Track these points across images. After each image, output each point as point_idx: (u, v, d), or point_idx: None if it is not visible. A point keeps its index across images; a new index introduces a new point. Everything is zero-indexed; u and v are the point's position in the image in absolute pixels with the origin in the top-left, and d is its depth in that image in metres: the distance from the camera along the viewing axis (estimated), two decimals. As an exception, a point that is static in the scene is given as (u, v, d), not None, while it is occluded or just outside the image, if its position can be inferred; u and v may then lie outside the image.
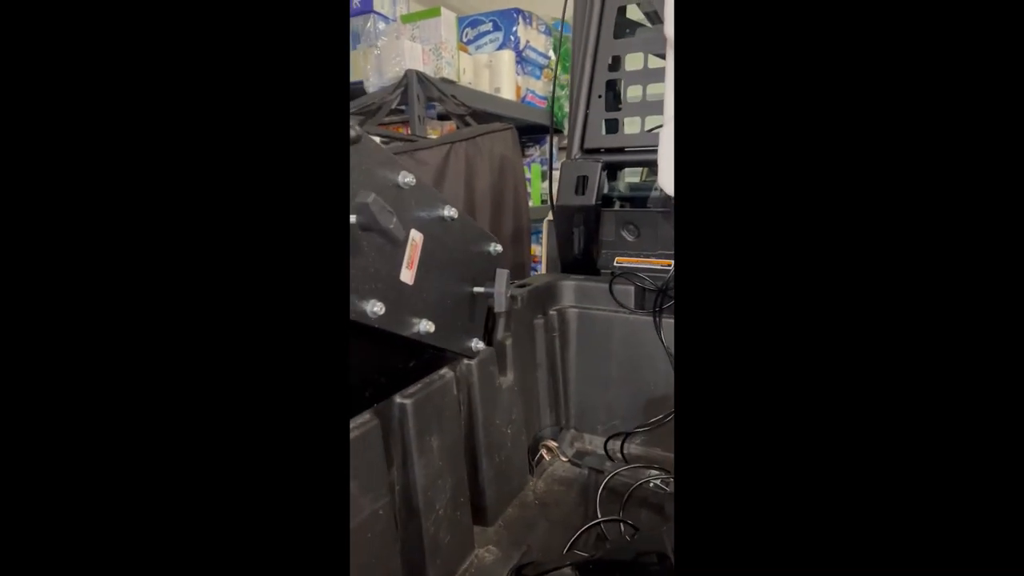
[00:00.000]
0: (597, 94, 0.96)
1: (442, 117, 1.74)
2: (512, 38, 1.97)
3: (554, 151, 2.29)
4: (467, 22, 2.02)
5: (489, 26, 2.00)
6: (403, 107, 1.57)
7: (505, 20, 1.97)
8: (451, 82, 1.71)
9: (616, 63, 0.99)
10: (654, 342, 0.90)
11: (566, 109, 2.14)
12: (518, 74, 1.99)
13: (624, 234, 1.01)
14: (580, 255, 1.03)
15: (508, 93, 1.94)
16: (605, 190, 1.01)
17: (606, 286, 0.94)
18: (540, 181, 2.20)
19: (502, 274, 0.66)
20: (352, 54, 1.71)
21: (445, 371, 0.69)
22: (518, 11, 1.97)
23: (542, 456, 0.88)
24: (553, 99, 1.90)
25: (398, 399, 0.61)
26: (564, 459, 0.88)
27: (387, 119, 1.59)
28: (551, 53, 2.13)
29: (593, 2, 0.94)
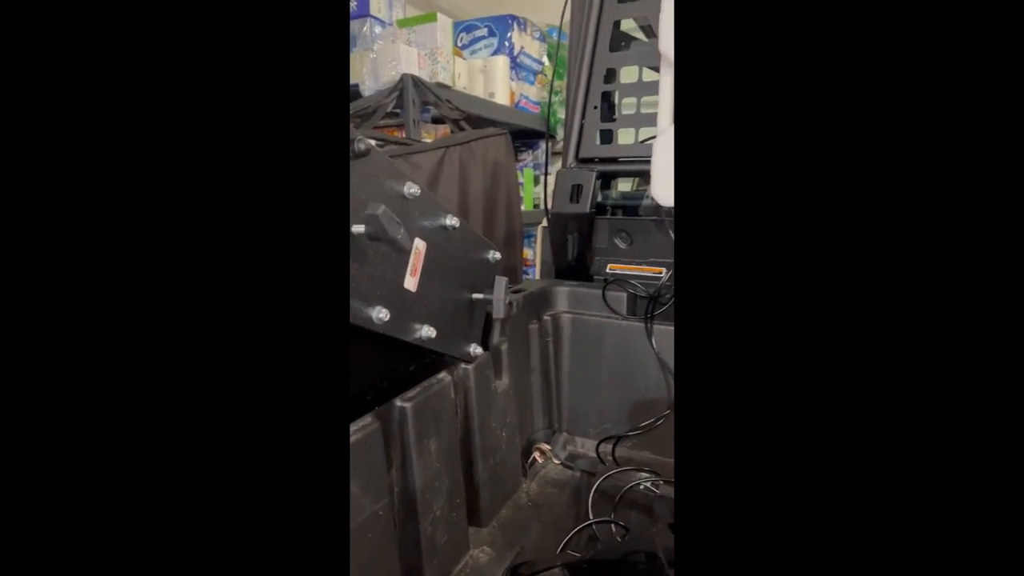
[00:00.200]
0: (593, 105, 0.99)
1: (436, 120, 1.75)
2: (507, 44, 1.99)
3: (547, 156, 2.31)
4: (462, 27, 2.03)
5: (484, 31, 2.02)
6: (398, 110, 1.58)
7: (500, 26, 1.99)
8: (446, 87, 1.72)
9: (611, 75, 1.01)
10: (645, 348, 0.92)
11: (559, 115, 2.17)
12: (512, 79, 2.01)
13: (617, 241, 1.04)
14: (574, 261, 1.05)
15: (502, 98, 1.96)
16: (599, 199, 1.04)
17: (599, 292, 0.96)
18: (533, 186, 2.22)
19: (501, 281, 0.68)
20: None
21: (443, 375, 0.70)
22: (513, 17, 1.99)
23: (535, 459, 0.90)
24: (549, 105, 1.92)
25: (398, 402, 0.63)
26: (557, 462, 0.90)
27: (382, 122, 1.60)
28: (545, 59, 2.16)
29: (590, 15, 0.96)
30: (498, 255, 0.71)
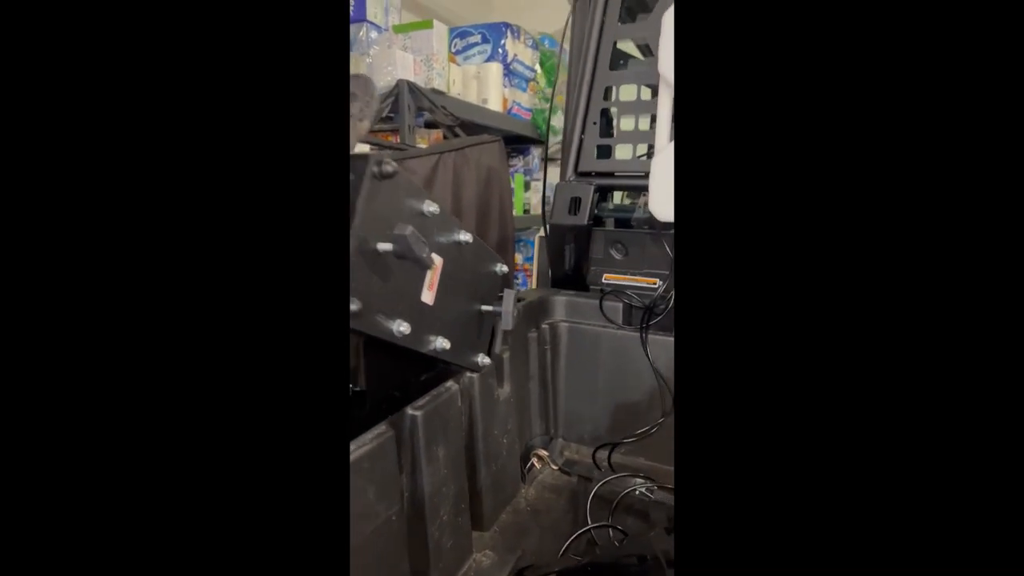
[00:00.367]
0: (592, 121, 1.02)
1: (429, 125, 1.77)
2: (500, 51, 2.01)
3: (536, 162, 2.35)
4: (456, 33, 2.05)
5: (478, 38, 2.04)
6: (392, 115, 1.59)
7: (494, 33, 2.01)
8: (441, 93, 1.74)
9: (608, 93, 1.04)
10: (640, 357, 0.95)
11: (551, 122, 2.21)
12: (505, 86, 2.03)
13: (612, 252, 1.07)
14: (571, 271, 1.07)
15: (495, 104, 1.98)
16: (595, 211, 1.07)
17: (596, 302, 0.99)
18: (523, 191, 2.24)
19: (510, 294, 0.70)
20: (343, 61, 1.72)
21: (451, 383, 0.73)
22: (507, 25, 2.01)
23: (533, 464, 0.92)
24: (549, 112, 1.95)
25: (409, 411, 0.65)
26: (555, 467, 0.93)
27: (376, 127, 1.61)
28: (537, 67, 2.18)
29: (591, 35, 0.99)
30: (505, 268, 0.73)
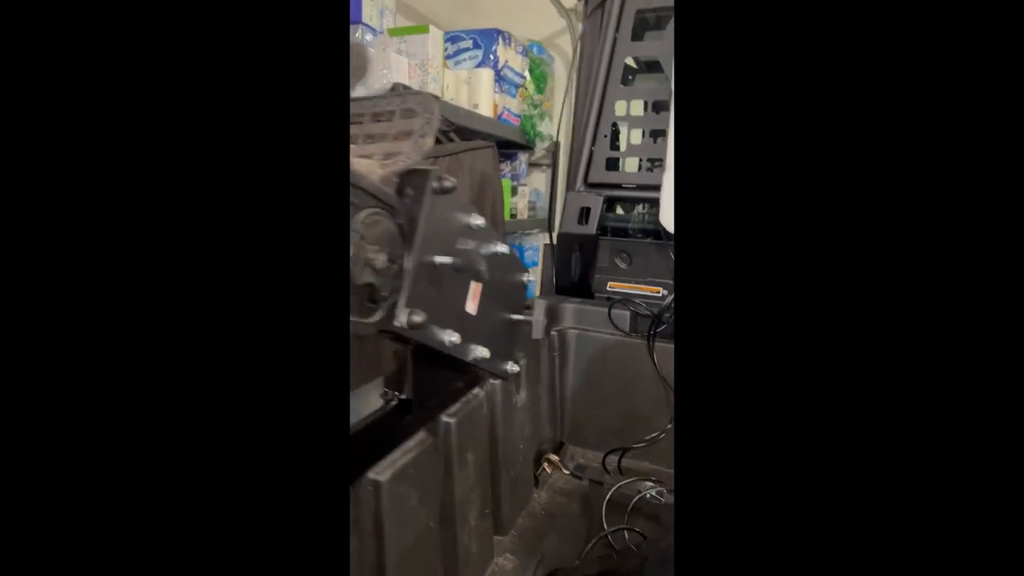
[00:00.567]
0: (603, 134, 1.04)
1: (424, 130, 1.77)
2: (491, 57, 2.03)
3: (523, 168, 2.37)
4: (448, 37, 2.06)
5: (469, 43, 2.05)
6: (388, 119, 1.59)
7: (485, 39, 2.03)
8: (436, 98, 1.74)
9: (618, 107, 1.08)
10: (646, 364, 0.98)
11: (539, 128, 2.23)
12: (496, 92, 2.05)
13: (617, 261, 1.10)
14: (576, 279, 1.10)
15: (486, 110, 1.99)
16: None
17: (603, 310, 1.02)
18: (510, 196, 2.26)
19: (540, 304, 0.72)
20: (337, 61, 1.71)
21: (478, 390, 0.74)
22: (498, 31, 2.03)
23: (544, 469, 0.94)
24: (560, 117, 1.97)
25: (444, 418, 0.66)
26: (566, 472, 0.95)
27: (373, 130, 1.60)
28: (527, 73, 2.21)
29: (603, 51, 1.02)
30: (531, 277, 0.75)
